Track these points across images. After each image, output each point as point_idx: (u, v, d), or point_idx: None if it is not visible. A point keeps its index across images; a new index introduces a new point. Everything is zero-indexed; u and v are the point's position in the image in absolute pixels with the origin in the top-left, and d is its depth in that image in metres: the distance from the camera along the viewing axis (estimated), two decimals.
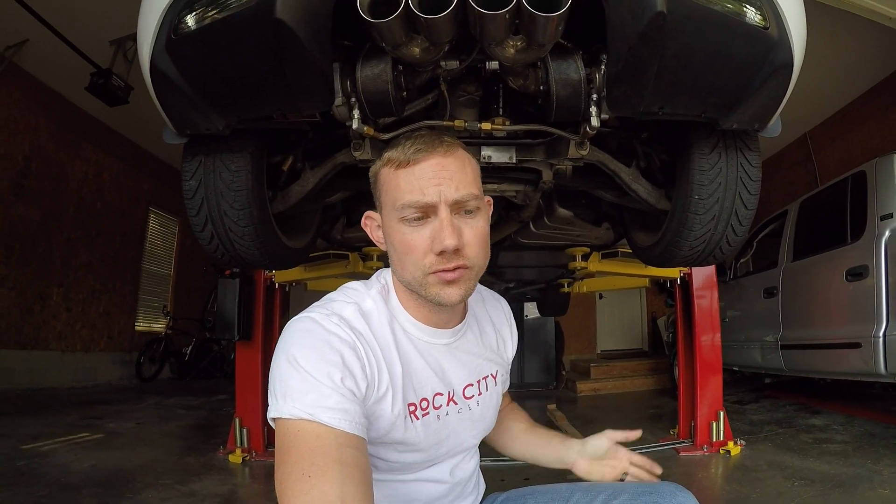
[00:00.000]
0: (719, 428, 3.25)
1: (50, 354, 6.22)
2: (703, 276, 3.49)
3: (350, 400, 0.73)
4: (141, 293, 8.00)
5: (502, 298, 1.11)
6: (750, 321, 4.81)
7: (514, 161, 1.76)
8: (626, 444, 1.04)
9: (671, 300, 4.23)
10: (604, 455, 1.02)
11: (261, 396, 3.32)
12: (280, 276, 3.44)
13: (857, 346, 3.24)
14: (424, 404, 0.86)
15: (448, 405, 0.90)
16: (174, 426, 4.25)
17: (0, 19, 4.78)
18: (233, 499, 2.52)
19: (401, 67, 1.39)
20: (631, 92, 1.31)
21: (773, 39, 1.24)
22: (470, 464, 1.00)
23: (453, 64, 1.41)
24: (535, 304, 5.33)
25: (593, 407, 5.61)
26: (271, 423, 0.74)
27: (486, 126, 1.60)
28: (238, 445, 3.25)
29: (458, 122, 1.59)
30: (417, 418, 0.85)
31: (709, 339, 3.43)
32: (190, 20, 1.22)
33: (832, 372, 3.71)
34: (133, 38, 5.14)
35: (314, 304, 0.86)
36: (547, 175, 1.85)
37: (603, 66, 1.35)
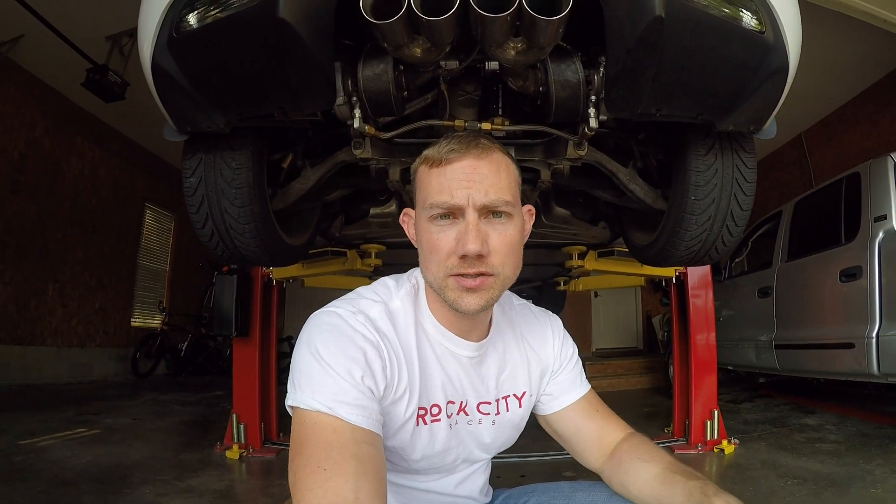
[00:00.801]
0: (713, 427, 3.28)
1: (46, 350, 6.20)
2: (697, 275, 3.51)
3: (368, 398, 0.74)
4: (137, 289, 7.98)
5: (554, 316, 1.06)
6: (744, 321, 4.83)
7: None
8: None
9: (666, 299, 4.26)
10: None
11: (258, 392, 3.33)
12: (277, 273, 3.44)
13: (850, 346, 3.26)
14: (435, 410, 0.86)
15: (458, 414, 0.89)
16: (171, 422, 4.25)
17: None
18: (230, 494, 2.52)
19: (402, 67, 1.40)
20: (629, 94, 1.32)
21: (769, 43, 1.26)
22: (479, 479, 0.99)
23: (453, 64, 1.42)
24: (530, 302, 5.36)
25: None
26: (289, 409, 0.75)
27: (485, 126, 1.61)
28: (235, 441, 3.25)
29: (457, 122, 1.61)
30: (426, 423, 0.85)
31: (703, 339, 3.45)
32: (192, 19, 1.23)
33: (825, 372, 3.73)
34: (129, 33, 5.15)
35: (342, 298, 0.85)
36: (545, 174, 1.87)
37: (601, 69, 1.37)
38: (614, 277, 3.94)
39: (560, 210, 2.41)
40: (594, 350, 9.49)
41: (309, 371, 0.74)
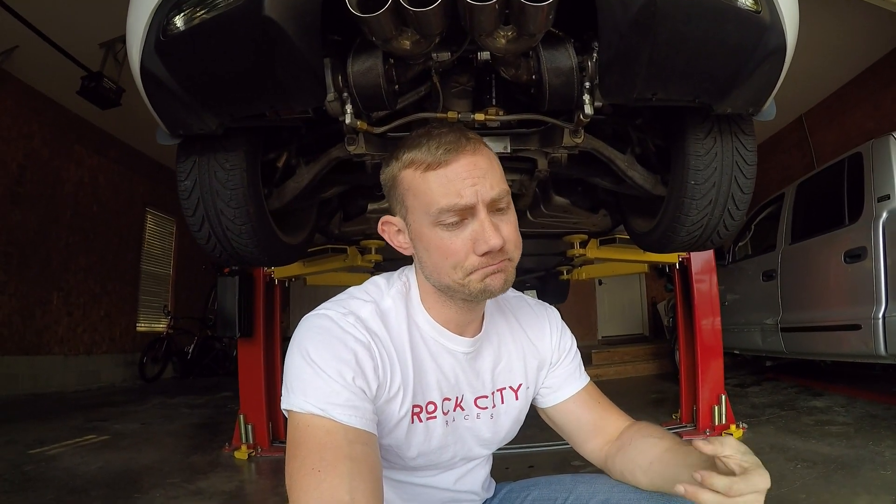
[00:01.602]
0: (721, 411, 3.27)
1: (53, 359, 6.23)
2: (701, 260, 3.49)
3: (361, 398, 0.74)
4: (141, 294, 8.00)
5: (551, 308, 1.06)
6: (749, 304, 4.81)
7: (509, 151, 1.76)
8: None
9: (670, 285, 4.25)
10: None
11: (264, 392, 3.34)
12: (279, 272, 3.44)
13: (856, 327, 3.25)
14: (431, 408, 0.86)
15: (455, 410, 0.89)
16: (179, 425, 4.27)
17: None
18: (240, 495, 2.53)
19: (392, 61, 1.38)
20: (623, 79, 1.30)
21: (765, 23, 1.23)
22: (479, 474, 0.98)
23: (445, 56, 1.40)
24: (535, 292, 5.36)
25: None
26: (284, 413, 0.75)
27: (479, 117, 1.60)
28: (243, 442, 3.27)
29: (451, 114, 1.59)
30: (421, 420, 0.85)
31: (709, 323, 3.43)
32: (178, 21, 1.21)
33: (832, 354, 3.72)
34: (122, 39, 5.10)
35: (333, 299, 0.85)
36: (542, 163, 1.86)
37: (595, 54, 1.35)
38: (617, 265, 3.93)
39: (559, 199, 2.39)
40: (600, 338, 9.50)
41: (300, 374, 0.74)
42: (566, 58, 1.36)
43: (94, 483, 2.64)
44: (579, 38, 1.39)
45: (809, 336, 3.89)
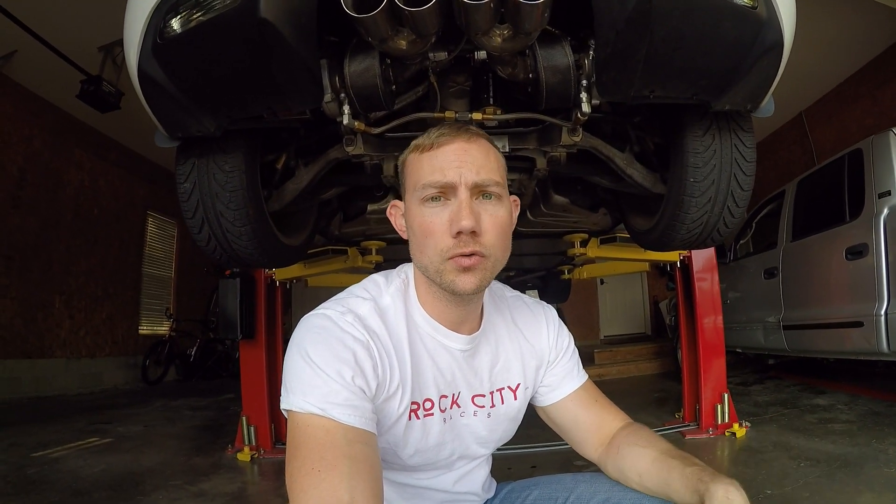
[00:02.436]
0: (724, 410, 3.26)
1: (55, 362, 6.24)
2: (703, 258, 3.49)
3: (360, 397, 0.74)
4: (143, 297, 8.02)
5: (548, 307, 1.06)
6: (751, 302, 4.81)
7: (507, 150, 1.76)
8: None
9: (672, 283, 4.24)
10: None
11: (266, 394, 3.34)
12: (280, 274, 3.44)
13: (859, 324, 3.24)
14: (428, 405, 0.86)
15: (452, 408, 0.89)
16: (182, 427, 4.27)
17: None
18: (242, 496, 2.53)
19: (388, 61, 1.39)
20: (620, 77, 1.30)
21: (761, 19, 1.23)
22: (479, 475, 0.98)
23: (441, 55, 1.40)
24: (536, 291, 5.36)
25: None
26: (284, 413, 0.75)
27: (476, 116, 1.60)
28: (246, 443, 3.27)
29: (448, 114, 1.59)
30: (418, 418, 0.85)
31: (711, 322, 3.43)
32: (175, 23, 1.21)
33: (835, 351, 3.71)
34: (121, 43, 5.13)
35: (333, 298, 0.86)
36: (541, 162, 1.85)
37: (591, 52, 1.34)
38: (618, 264, 3.93)
39: (559, 198, 2.39)
40: (602, 337, 9.49)
41: (300, 374, 0.74)
42: (563, 56, 1.36)
43: (97, 485, 2.64)
44: (576, 35, 1.39)
45: (812, 334, 3.88)
